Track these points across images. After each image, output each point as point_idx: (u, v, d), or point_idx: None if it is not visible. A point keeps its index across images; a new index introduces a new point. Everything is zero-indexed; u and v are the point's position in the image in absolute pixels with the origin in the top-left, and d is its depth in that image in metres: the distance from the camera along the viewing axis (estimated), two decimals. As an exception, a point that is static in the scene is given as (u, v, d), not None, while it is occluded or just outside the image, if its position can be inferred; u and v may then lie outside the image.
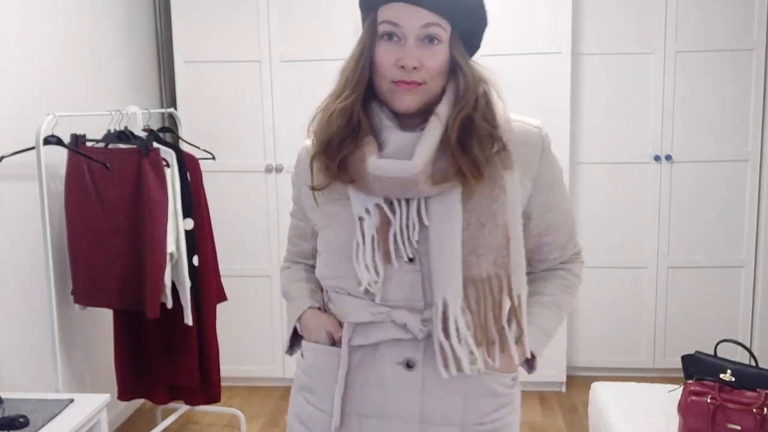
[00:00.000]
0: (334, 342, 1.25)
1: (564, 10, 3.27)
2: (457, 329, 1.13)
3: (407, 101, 1.15)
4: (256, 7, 3.38)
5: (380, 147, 1.16)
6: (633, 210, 3.55)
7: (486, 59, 3.23)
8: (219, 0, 3.40)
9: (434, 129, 1.14)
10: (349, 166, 1.16)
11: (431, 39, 1.15)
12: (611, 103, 3.49)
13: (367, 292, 1.17)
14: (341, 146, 1.17)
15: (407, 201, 1.15)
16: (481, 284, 1.14)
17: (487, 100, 1.19)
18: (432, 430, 1.19)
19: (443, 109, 1.16)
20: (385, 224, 1.15)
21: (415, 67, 1.13)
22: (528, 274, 1.23)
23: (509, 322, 1.18)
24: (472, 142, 1.14)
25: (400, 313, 1.17)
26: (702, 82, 3.44)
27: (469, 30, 1.23)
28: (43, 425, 2.03)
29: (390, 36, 1.14)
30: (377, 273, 1.15)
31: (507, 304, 1.17)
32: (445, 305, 1.13)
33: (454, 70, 1.20)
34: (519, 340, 1.20)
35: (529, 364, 1.29)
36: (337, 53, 3.35)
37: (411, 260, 1.16)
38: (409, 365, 1.18)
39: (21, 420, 2.00)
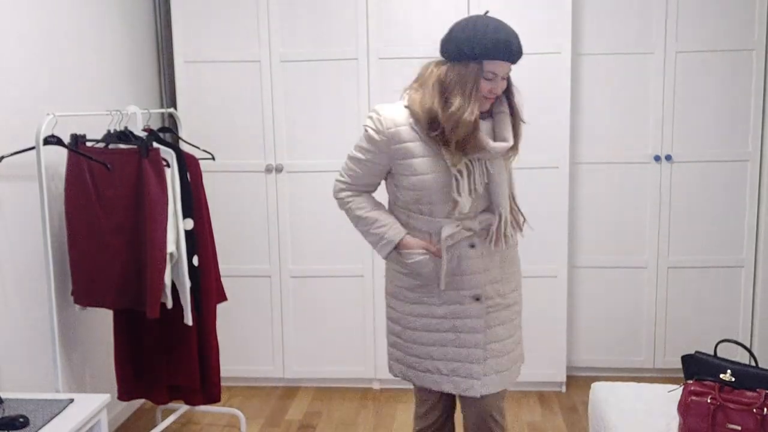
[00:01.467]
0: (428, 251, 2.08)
1: (564, 10, 3.27)
2: (505, 224, 2.10)
3: (487, 106, 2.05)
4: (256, 7, 3.38)
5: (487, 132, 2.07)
6: (633, 210, 3.55)
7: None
8: (219, 0, 3.40)
9: (507, 121, 2.08)
10: (468, 144, 1.98)
11: (504, 78, 2.03)
12: (611, 103, 3.49)
13: (449, 214, 2.05)
14: (467, 136, 1.97)
15: (479, 160, 2.04)
16: (512, 201, 2.18)
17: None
18: (486, 277, 2.09)
19: (506, 108, 2.09)
20: (469, 173, 2.03)
21: (495, 93, 2.02)
22: None
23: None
24: (518, 130, 2.10)
25: (470, 222, 2.07)
26: (702, 82, 3.44)
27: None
28: (43, 425, 2.03)
29: (490, 78, 1.98)
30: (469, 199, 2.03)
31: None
32: (501, 212, 2.09)
33: (509, 85, 2.08)
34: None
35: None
36: (337, 53, 3.39)
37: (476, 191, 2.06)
38: (472, 246, 2.09)
39: (21, 420, 2.00)
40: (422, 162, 2.02)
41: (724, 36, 3.39)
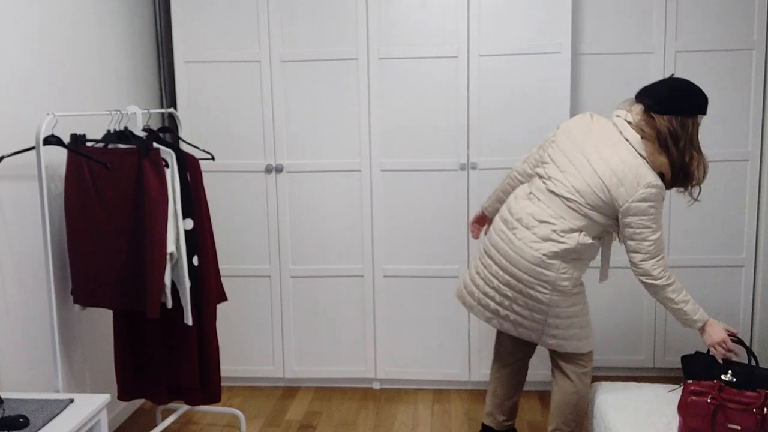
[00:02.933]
0: None
1: (564, 9, 3.27)
2: None
3: None
4: (256, 7, 3.38)
5: None
6: (633, 210, 3.55)
7: (486, 59, 3.31)
8: (219, 0, 3.40)
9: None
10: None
11: None
12: (611, 103, 3.48)
13: None
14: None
15: None
16: None
17: None
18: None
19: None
20: None
21: None
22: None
23: None
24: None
25: None
26: (702, 82, 3.43)
27: None
28: (43, 425, 2.03)
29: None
30: None
31: None
32: None
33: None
34: None
35: None
36: (337, 53, 3.39)
37: None
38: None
39: (21, 420, 2.00)
40: None
41: (723, 36, 3.39)
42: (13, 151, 2.40)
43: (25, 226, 2.56)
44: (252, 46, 3.41)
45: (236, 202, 3.52)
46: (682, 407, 2.10)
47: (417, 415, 3.33)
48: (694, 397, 2.08)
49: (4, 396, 2.18)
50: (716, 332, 2.29)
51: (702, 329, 2.33)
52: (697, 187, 2.43)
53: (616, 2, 3.41)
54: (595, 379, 3.12)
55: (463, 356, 3.53)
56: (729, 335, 2.30)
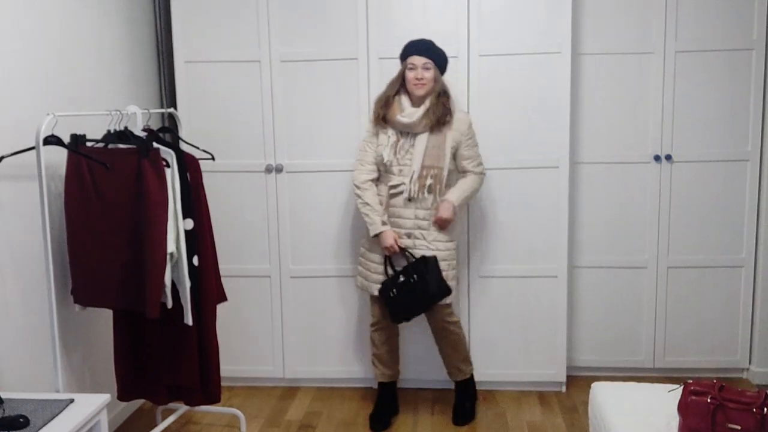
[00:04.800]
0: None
1: (564, 9, 3.27)
2: (419, 184, 3.02)
3: (419, 91, 3.00)
4: (256, 7, 3.38)
5: (400, 112, 3.03)
6: (633, 210, 3.55)
7: (486, 59, 3.35)
8: (219, 0, 3.40)
9: (424, 105, 3.01)
10: (388, 119, 3.03)
11: (426, 67, 2.99)
12: (611, 103, 3.49)
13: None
14: (384, 111, 3.05)
15: (408, 134, 3.02)
16: (429, 168, 3.00)
17: (446, 93, 3.04)
18: (417, 224, 3.05)
19: (431, 97, 3.01)
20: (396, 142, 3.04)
21: (419, 78, 2.99)
22: (461, 173, 3.12)
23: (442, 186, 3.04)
24: (438, 112, 2.98)
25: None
26: (702, 82, 3.44)
27: (441, 64, 3.04)
28: (43, 425, 2.03)
29: (411, 68, 3.00)
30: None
31: (442, 177, 3.04)
32: (415, 173, 3.01)
33: (435, 80, 3.01)
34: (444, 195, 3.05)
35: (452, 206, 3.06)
36: (337, 53, 3.39)
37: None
38: (410, 200, 3.03)
39: (21, 420, 2.01)
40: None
41: (723, 36, 3.39)
42: (13, 151, 2.40)
43: (25, 226, 2.56)
44: (252, 46, 3.41)
45: (236, 202, 3.52)
46: (682, 407, 2.10)
47: (417, 415, 3.33)
48: (694, 397, 2.07)
49: (4, 396, 2.18)
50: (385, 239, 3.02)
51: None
52: None
53: (616, 2, 3.41)
54: (595, 379, 3.12)
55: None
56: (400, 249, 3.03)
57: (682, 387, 2.17)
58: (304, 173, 3.47)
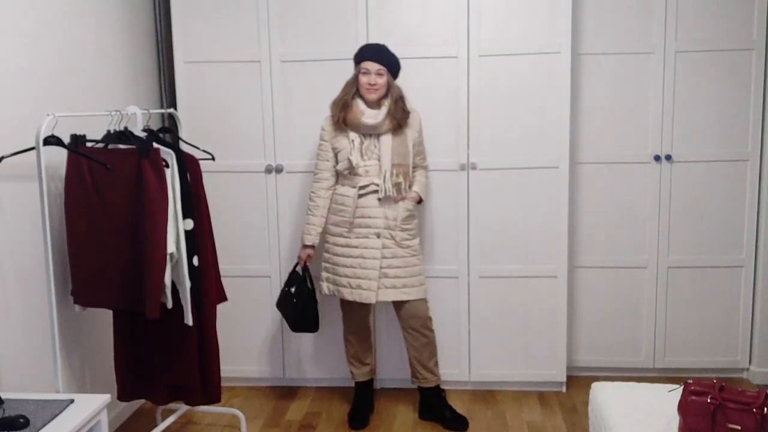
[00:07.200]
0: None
1: (563, 9, 3.27)
2: (392, 183, 3.08)
3: (371, 96, 3.05)
4: (256, 7, 3.38)
5: (361, 114, 3.06)
6: (633, 210, 3.55)
7: (486, 59, 3.36)
8: (219, 0, 3.40)
9: (385, 107, 3.07)
10: (348, 122, 3.07)
11: (380, 73, 3.03)
12: (611, 103, 3.49)
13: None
14: (343, 114, 3.07)
15: (371, 135, 3.09)
16: (399, 167, 3.07)
17: (402, 98, 3.09)
18: (387, 224, 3.09)
19: (387, 101, 3.07)
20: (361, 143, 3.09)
21: (372, 84, 3.04)
22: (413, 168, 3.19)
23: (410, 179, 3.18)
24: (398, 115, 3.06)
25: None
26: (702, 82, 3.44)
27: (393, 71, 3.10)
28: (43, 426, 2.02)
29: (365, 72, 3.04)
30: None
31: (410, 174, 3.14)
32: (387, 173, 3.07)
33: (390, 85, 3.07)
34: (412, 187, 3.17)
35: (420, 199, 3.22)
36: (336, 53, 3.39)
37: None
38: (380, 199, 3.08)
39: (21, 420, 2.00)
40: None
41: (723, 36, 3.39)
42: (13, 151, 2.40)
43: (25, 226, 2.56)
44: (252, 46, 3.41)
45: (236, 202, 3.52)
46: (682, 407, 2.10)
47: (417, 415, 3.33)
48: (694, 397, 2.07)
49: (4, 396, 2.18)
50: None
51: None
52: None
53: (616, 2, 3.41)
54: (595, 379, 3.12)
55: (463, 356, 3.53)
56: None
57: (682, 387, 2.17)
58: (304, 173, 3.47)
